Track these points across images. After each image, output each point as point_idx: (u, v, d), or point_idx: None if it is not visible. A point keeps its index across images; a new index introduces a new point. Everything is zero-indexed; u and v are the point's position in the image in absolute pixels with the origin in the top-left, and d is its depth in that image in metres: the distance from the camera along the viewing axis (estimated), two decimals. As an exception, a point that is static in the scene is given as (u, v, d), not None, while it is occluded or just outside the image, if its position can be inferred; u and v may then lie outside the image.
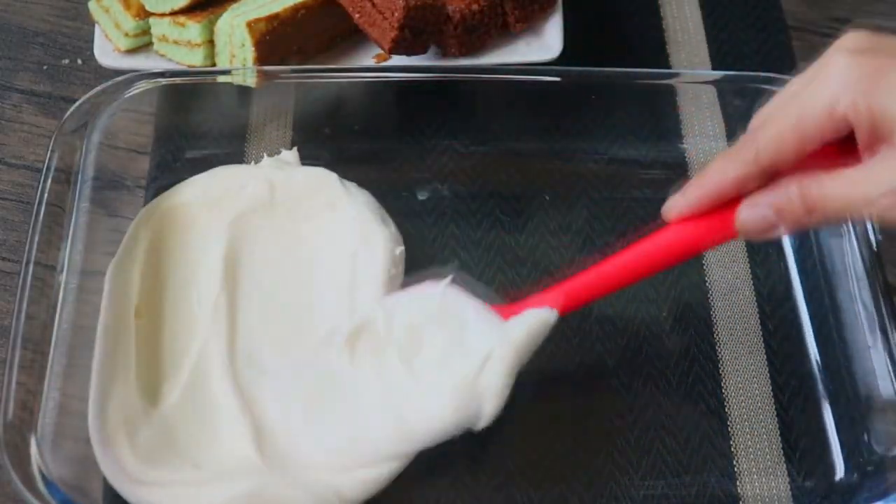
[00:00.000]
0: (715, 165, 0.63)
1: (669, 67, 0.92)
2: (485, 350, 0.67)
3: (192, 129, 0.85)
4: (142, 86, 0.80)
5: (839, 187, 0.59)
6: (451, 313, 0.69)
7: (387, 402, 0.68)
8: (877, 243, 0.75)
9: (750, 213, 0.62)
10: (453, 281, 0.70)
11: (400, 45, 0.83)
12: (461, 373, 0.67)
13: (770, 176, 0.62)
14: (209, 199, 0.79)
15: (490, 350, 0.67)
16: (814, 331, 0.77)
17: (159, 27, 0.85)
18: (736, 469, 0.72)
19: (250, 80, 0.83)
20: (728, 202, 0.63)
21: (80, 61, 0.92)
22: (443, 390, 0.67)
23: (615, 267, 0.68)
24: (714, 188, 0.63)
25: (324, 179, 0.79)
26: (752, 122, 0.63)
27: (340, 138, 0.86)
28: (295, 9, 0.84)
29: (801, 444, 0.73)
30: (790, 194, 0.60)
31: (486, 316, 0.69)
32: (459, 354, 0.68)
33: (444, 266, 0.77)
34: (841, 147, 0.60)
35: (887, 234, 0.75)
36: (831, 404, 0.75)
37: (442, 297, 0.70)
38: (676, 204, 0.65)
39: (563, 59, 0.86)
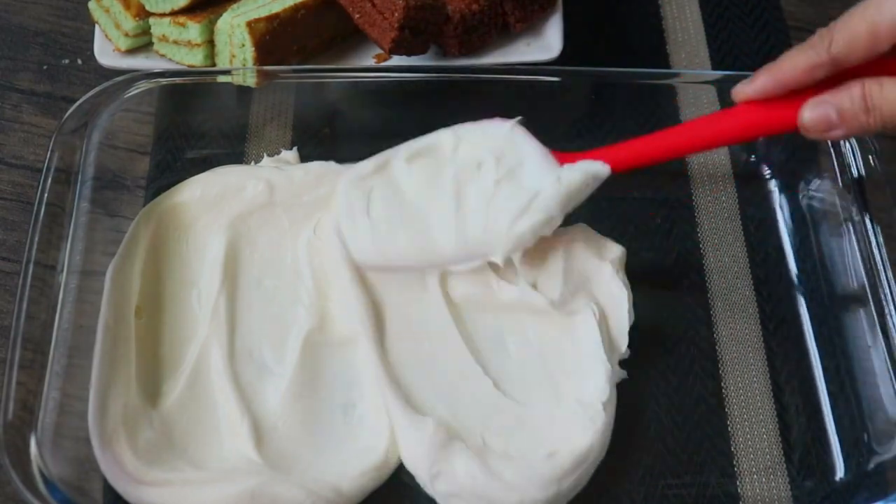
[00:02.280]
0: (787, 55, 0.67)
1: (669, 67, 0.92)
2: (535, 188, 0.70)
3: (192, 129, 0.85)
4: (142, 86, 0.80)
5: None
6: (513, 149, 0.73)
7: (425, 219, 0.73)
8: (877, 243, 0.75)
9: (813, 112, 0.66)
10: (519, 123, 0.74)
11: (400, 45, 0.83)
12: (507, 208, 0.71)
13: (838, 72, 0.65)
14: (209, 198, 0.79)
15: (539, 189, 0.70)
16: (814, 331, 0.77)
17: (159, 27, 0.85)
18: (736, 469, 0.72)
19: (250, 80, 0.83)
20: (793, 96, 0.67)
21: (80, 61, 0.92)
22: (475, 222, 0.71)
23: (673, 134, 0.71)
24: (783, 76, 0.67)
25: (324, 170, 0.80)
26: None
27: (340, 138, 0.86)
28: (295, 9, 0.84)
29: (801, 444, 0.73)
30: (852, 94, 0.64)
31: (543, 157, 0.72)
32: (510, 189, 0.71)
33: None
34: None
35: (887, 234, 0.75)
36: (831, 404, 0.75)
37: (508, 132, 0.73)
38: (744, 89, 0.69)
39: (563, 59, 0.86)
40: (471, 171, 0.73)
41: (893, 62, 0.65)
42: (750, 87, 0.68)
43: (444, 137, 0.75)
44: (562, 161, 0.72)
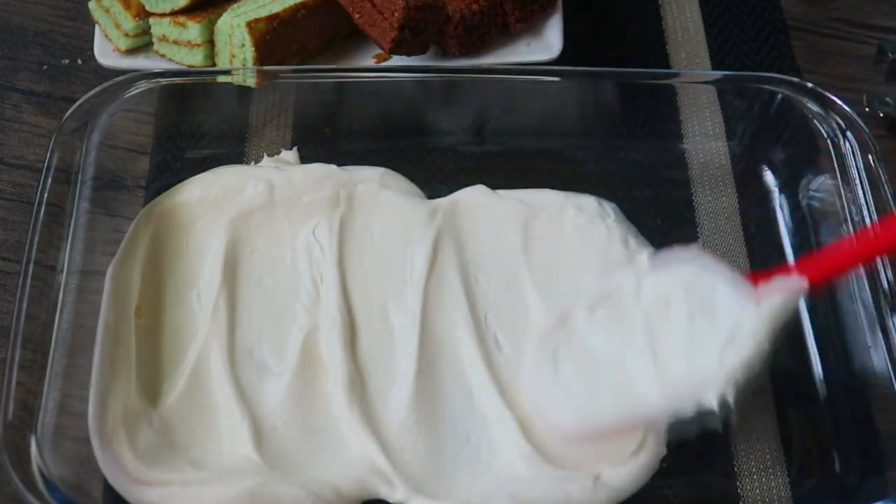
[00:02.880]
0: None
1: (669, 67, 0.92)
2: (734, 319, 0.65)
3: (192, 129, 0.85)
4: (142, 86, 0.80)
5: None
6: (701, 280, 0.68)
7: (621, 371, 0.68)
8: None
9: None
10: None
11: (400, 45, 0.83)
12: (709, 345, 0.65)
13: None
14: (209, 199, 0.79)
15: (739, 319, 0.65)
16: (814, 331, 0.77)
17: (159, 27, 0.85)
18: (736, 469, 0.72)
19: (250, 80, 0.83)
20: None
21: (80, 61, 0.92)
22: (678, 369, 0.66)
23: (869, 240, 0.69)
24: None
25: (324, 172, 0.80)
26: None
27: (340, 138, 0.86)
28: (295, 9, 0.84)
29: (801, 444, 0.73)
30: None
31: (734, 283, 0.67)
32: (705, 324, 0.66)
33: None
34: None
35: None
36: (831, 404, 0.74)
37: (692, 262, 0.69)
38: None
39: (563, 59, 0.86)
40: (659, 311, 0.68)
41: None
42: None
43: (623, 280, 0.70)
44: (754, 282, 0.67)
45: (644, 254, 0.76)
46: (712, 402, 0.65)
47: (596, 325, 0.70)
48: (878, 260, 0.74)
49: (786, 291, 0.66)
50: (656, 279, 0.69)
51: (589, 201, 0.80)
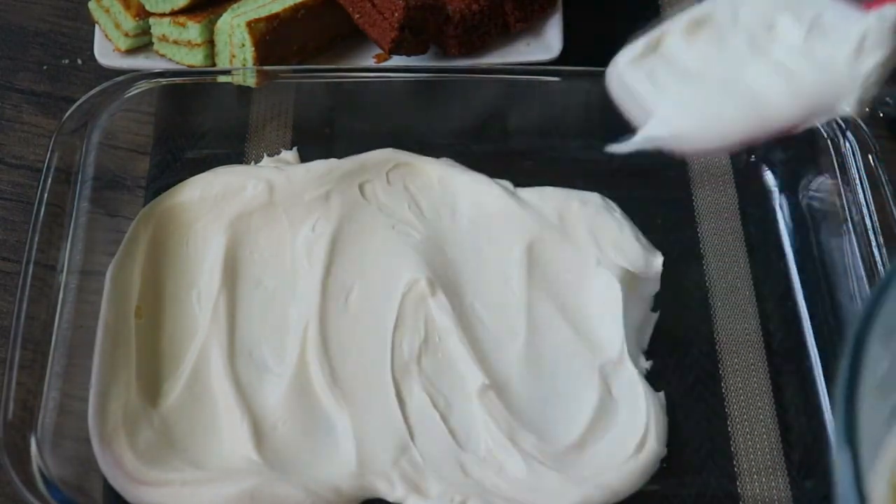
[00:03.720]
0: None
1: (669, 67, 0.92)
2: (857, 33, 0.59)
3: (192, 129, 0.85)
4: (142, 86, 0.80)
5: None
6: (805, 2, 0.62)
7: (736, 78, 0.61)
8: (877, 243, 0.75)
9: None
10: None
11: (400, 45, 0.83)
12: (834, 56, 0.59)
13: None
14: (209, 199, 0.79)
15: (862, 30, 0.59)
16: (814, 331, 0.77)
17: (159, 27, 0.85)
18: (736, 469, 0.72)
19: (250, 80, 0.83)
20: None
21: (80, 61, 0.92)
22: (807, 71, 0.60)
23: None
24: None
25: (326, 168, 0.80)
26: None
27: (340, 138, 0.86)
28: (295, 9, 0.84)
29: (801, 444, 0.73)
30: None
31: (843, 4, 0.61)
32: (824, 41, 0.60)
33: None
34: None
35: (887, 234, 0.75)
36: (831, 404, 0.74)
37: None
38: None
39: (563, 59, 0.86)
40: (764, 36, 0.62)
41: None
42: None
43: (716, 6, 0.63)
44: (865, 6, 0.60)
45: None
46: (852, 108, 0.59)
47: (694, 48, 0.63)
48: (879, 260, 0.74)
49: None
50: (754, 3, 0.63)
51: (593, 197, 0.80)
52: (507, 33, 0.88)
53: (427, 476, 0.68)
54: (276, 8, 0.84)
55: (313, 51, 0.87)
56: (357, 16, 0.84)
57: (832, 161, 0.79)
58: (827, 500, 0.71)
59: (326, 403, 0.71)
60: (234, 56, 0.84)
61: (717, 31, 0.63)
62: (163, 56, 0.87)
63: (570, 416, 0.72)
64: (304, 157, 0.83)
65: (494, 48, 0.87)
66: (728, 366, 0.76)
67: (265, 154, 0.84)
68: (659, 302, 0.78)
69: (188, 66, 0.86)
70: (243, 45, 0.83)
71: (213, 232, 0.78)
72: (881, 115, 0.88)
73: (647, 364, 0.74)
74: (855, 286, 0.75)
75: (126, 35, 0.86)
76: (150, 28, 0.86)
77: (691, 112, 0.62)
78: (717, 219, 0.83)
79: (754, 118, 0.61)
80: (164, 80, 0.81)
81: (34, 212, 0.73)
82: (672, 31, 0.64)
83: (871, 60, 0.59)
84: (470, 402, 0.71)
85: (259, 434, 0.69)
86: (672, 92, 0.63)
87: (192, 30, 0.84)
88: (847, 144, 0.79)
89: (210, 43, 0.85)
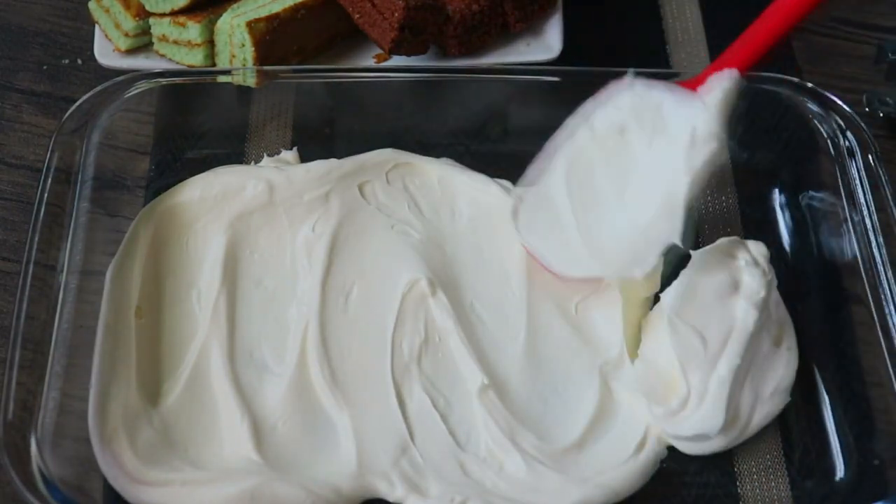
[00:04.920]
0: None
1: (669, 67, 0.92)
2: (689, 125, 0.71)
3: (192, 129, 0.85)
4: (142, 86, 0.80)
5: None
6: (647, 101, 0.74)
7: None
8: (877, 243, 0.75)
9: None
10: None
11: (400, 45, 0.83)
12: (671, 158, 0.71)
13: None
14: (209, 198, 0.79)
15: (693, 124, 0.71)
16: (814, 331, 0.77)
17: (159, 27, 0.85)
18: (736, 469, 0.72)
19: (250, 80, 0.83)
20: None
21: (80, 61, 0.92)
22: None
23: (773, 14, 0.73)
24: None
25: (325, 169, 0.80)
26: None
27: (340, 138, 0.86)
28: (295, 9, 0.84)
29: (801, 444, 0.73)
30: None
31: (678, 94, 0.73)
32: (663, 138, 0.73)
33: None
34: None
35: (887, 234, 0.75)
36: (831, 404, 0.74)
37: (633, 89, 0.75)
38: None
39: (563, 59, 0.86)
40: (617, 140, 0.75)
41: None
42: None
43: (579, 136, 0.77)
44: (693, 87, 0.73)
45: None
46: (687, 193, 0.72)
47: (571, 183, 0.76)
48: (879, 260, 0.74)
49: (722, 83, 0.72)
50: (602, 114, 0.75)
51: None
52: (507, 33, 0.88)
53: (427, 476, 0.68)
54: (276, 8, 0.84)
55: (313, 51, 0.87)
56: (357, 16, 0.84)
57: (832, 161, 0.79)
58: (827, 500, 0.71)
59: (326, 403, 0.71)
60: (234, 56, 0.84)
61: (587, 161, 0.76)
62: (163, 56, 0.87)
63: (571, 416, 0.72)
64: (304, 157, 0.83)
65: (494, 48, 0.87)
66: (728, 366, 0.76)
67: (265, 154, 0.84)
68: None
69: (188, 66, 0.86)
70: (243, 45, 0.83)
71: (213, 232, 0.78)
72: (881, 115, 0.88)
73: None
74: (855, 286, 0.75)
75: (126, 35, 0.86)
76: (150, 28, 0.86)
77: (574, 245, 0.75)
78: (717, 219, 0.83)
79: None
80: (164, 80, 0.81)
81: (34, 212, 0.73)
82: (554, 173, 0.76)
83: (702, 156, 0.71)
84: (470, 402, 0.71)
85: (259, 434, 0.69)
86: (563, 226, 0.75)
87: (192, 30, 0.84)
88: (847, 144, 0.79)
89: (210, 43, 0.85)
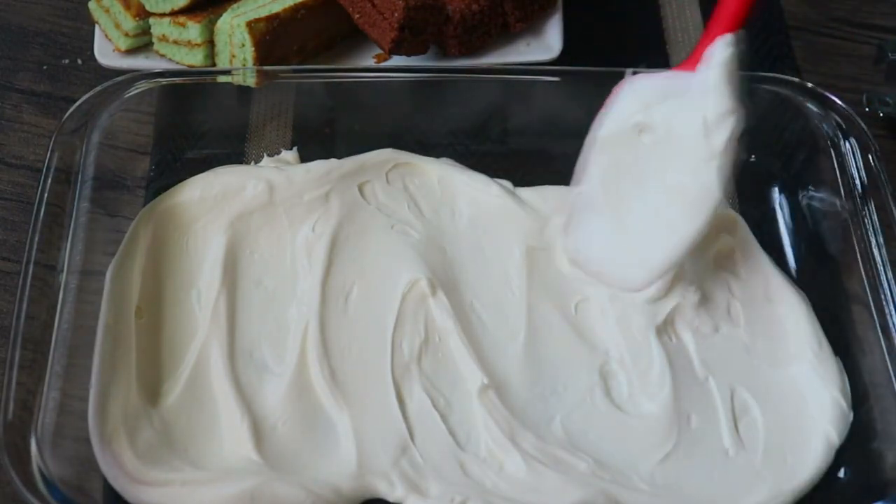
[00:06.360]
0: None
1: (669, 67, 0.92)
2: (702, 108, 0.72)
3: (192, 129, 0.85)
4: (142, 86, 0.80)
5: None
6: (651, 93, 0.74)
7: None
8: (877, 243, 0.75)
9: None
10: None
11: (400, 45, 0.83)
12: (690, 148, 0.72)
13: None
14: (209, 198, 0.79)
15: (702, 112, 0.72)
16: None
17: (159, 27, 0.85)
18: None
19: (250, 80, 0.83)
20: None
21: (80, 61, 0.92)
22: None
23: None
24: None
25: (325, 169, 0.80)
26: None
27: (340, 138, 0.86)
28: (295, 9, 0.84)
29: (801, 444, 0.73)
30: None
31: (678, 79, 0.74)
32: (684, 121, 0.73)
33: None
34: None
35: (887, 234, 0.75)
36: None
37: (632, 87, 0.75)
38: None
39: (563, 59, 0.86)
40: (638, 143, 0.75)
41: None
42: None
43: (599, 146, 0.76)
44: (691, 67, 0.73)
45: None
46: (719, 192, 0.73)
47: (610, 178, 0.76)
48: (879, 260, 0.74)
49: (720, 53, 0.72)
50: (619, 117, 0.75)
51: None
52: (507, 33, 0.88)
53: (427, 476, 0.68)
54: (276, 8, 0.84)
55: (313, 51, 0.87)
56: (357, 16, 0.84)
57: (832, 161, 0.79)
58: (827, 500, 0.71)
59: (326, 403, 0.71)
60: (234, 56, 0.84)
61: (617, 159, 0.75)
62: (163, 56, 0.87)
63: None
64: (304, 157, 0.83)
65: (494, 48, 0.87)
66: (728, 366, 0.76)
67: (265, 154, 0.84)
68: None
69: (188, 66, 0.86)
70: (243, 45, 0.83)
71: (213, 232, 0.78)
72: (881, 115, 0.88)
73: None
74: (855, 286, 0.75)
75: (126, 35, 0.86)
76: (150, 28, 0.86)
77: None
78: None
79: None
80: (164, 80, 0.81)
81: (34, 212, 0.73)
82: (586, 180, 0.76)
83: (721, 136, 0.72)
84: (470, 401, 0.71)
85: (259, 434, 0.69)
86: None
87: (192, 30, 0.84)
88: (847, 144, 0.79)
89: (210, 43, 0.85)
